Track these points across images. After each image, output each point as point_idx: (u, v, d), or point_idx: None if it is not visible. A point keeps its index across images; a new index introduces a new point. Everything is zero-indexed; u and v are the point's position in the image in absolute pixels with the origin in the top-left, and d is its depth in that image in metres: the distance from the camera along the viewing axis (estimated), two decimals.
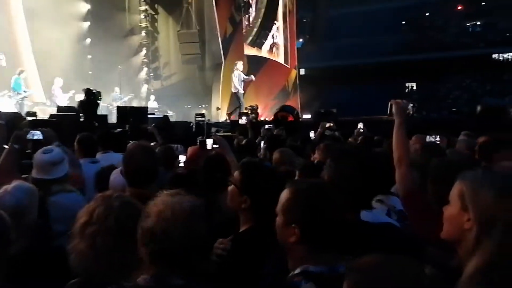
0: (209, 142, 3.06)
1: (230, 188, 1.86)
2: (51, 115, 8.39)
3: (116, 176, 2.41)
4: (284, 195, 1.36)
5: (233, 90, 12.55)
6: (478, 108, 9.05)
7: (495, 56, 29.63)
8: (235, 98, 15.53)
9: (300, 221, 1.30)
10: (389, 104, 2.31)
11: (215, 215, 2.26)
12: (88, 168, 3.17)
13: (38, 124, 5.67)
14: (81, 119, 7.90)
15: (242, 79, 12.43)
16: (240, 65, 12.56)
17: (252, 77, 12.81)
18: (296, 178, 2.56)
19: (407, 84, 30.54)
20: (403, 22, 33.39)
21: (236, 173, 1.89)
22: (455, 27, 31.47)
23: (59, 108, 9.15)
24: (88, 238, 1.36)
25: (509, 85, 26.57)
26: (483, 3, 31.19)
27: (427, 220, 1.94)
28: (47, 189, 2.36)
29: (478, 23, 30.90)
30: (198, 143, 3.42)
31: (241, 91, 12.49)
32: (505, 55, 29.55)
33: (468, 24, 31.35)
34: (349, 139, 5.40)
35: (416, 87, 30.24)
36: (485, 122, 7.88)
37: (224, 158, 2.76)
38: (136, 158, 2.25)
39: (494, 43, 28.82)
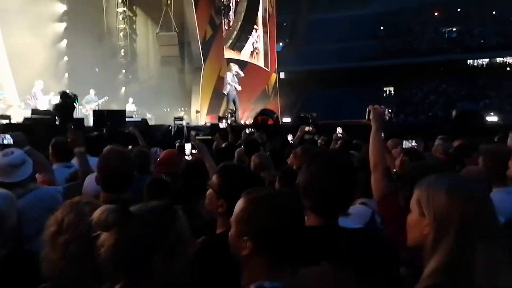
0: (188, 147, 3.00)
1: (208, 191, 1.84)
2: (26, 119, 8.19)
3: (89, 182, 2.35)
4: (238, 204, 1.27)
5: (225, 91, 12.50)
6: (454, 112, 9.26)
7: (470, 61, 30.48)
8: (220, 99, 15.50)
9: (252, 233, 1.21)
10: (367, 110, 2.35)
11: (194, 220, 2.25)
12: (61, 173, 3.12)
13: (11, 128, 5.52)
14: (57, 123, 7.73)
15: (236, 80, 12.46)
16: (236, 68, 12.58)
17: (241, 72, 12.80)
18: (276, 184, 2.56)
19: (385, 89, 31.13)
20: (381, 28, 34.08)
21: (214, 177, 1.87)
22: (432, 33, 32.25)
23: (34, 112, 8.92)
24: (60, 248, 1.33)
25: (484, 90, 27.37)
26: (459, 10, 32.09)
27: (401, 225, 1.97)
28: None
29: (454, 29, 31.77)
30: (176, 148, 3.37)
31: (238, 87, 12.51)
32: (480, 61, 30.45)
33: (444, 30, 32.17)
34: (319, 140, 5.40)
35: (393, 91, 30.82)
36: (461, 126, 8.06)
37: (203, 163, 2.72)
38: (111, 163, 2.20)
39: (469, 49, 29.66)
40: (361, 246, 1.54)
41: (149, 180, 2.89)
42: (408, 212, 2.00)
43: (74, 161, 3.58)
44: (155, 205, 1.26)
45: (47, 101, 10.86)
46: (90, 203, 1.43)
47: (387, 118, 2.41)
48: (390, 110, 2.51)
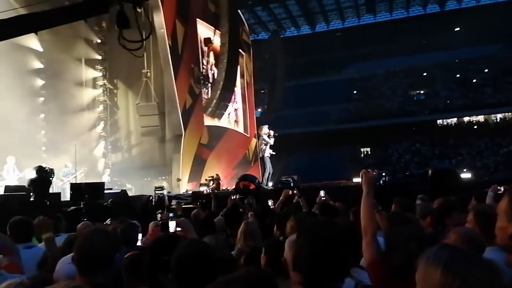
0: (172, 225, 2.83)
1: None
2: None
3: (61, 267, 2.21)
4: None
5: (265, 154, 12.62)
6: (430, 171, 9.45)
7: (440, 121, 31.83)
8: (201, 166, 15.47)
9: None
10: (360, 173, 2.39)
11: None
12: (24, 255, 2.85)
13: None
14: (31, 199, 7.47)
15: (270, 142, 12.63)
16: (265, 129, 12.82)
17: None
18: (262, 255, 2.47)
19: (362, 149, 31.88)
20: (355, 92, 35.69)
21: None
22: (401, 96, 33.91)
23: (7, 188, 8.62)
24: None
25: (455, 148, 28.32)
26: (424, 74, 34.08)
27: None
28: None
29: (422, 92, 33.51)
30: (160, 225, 3.21)
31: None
32: (449, 121, 31.83)
33: (412, 93, 33.90)
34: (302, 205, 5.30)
35: (370, 152, 31.56)
36: (438, 184, 8.20)
37: (175, 238, 2.62)
38: (93, 243, 2.00)
39: (437, 110, 31.10)
40: None
41: (127, 259, 2.76)
42: (396, 280, 1.97)
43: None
44: None
45: (18, 177, 10.57)
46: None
47: (382, 181, 2.46)
48: (384, 174, 2.57)
